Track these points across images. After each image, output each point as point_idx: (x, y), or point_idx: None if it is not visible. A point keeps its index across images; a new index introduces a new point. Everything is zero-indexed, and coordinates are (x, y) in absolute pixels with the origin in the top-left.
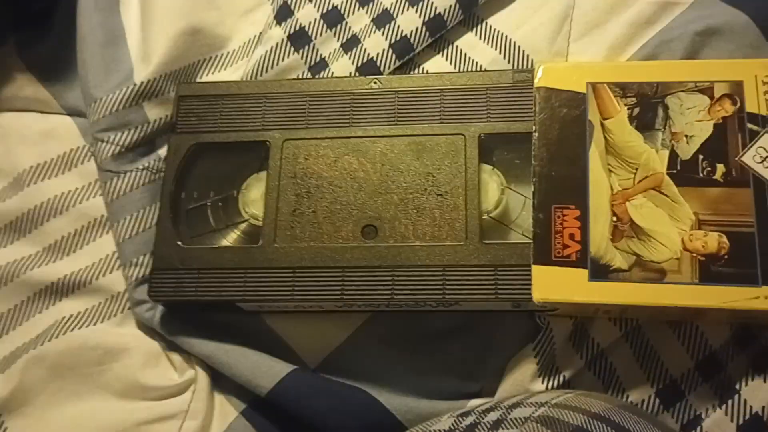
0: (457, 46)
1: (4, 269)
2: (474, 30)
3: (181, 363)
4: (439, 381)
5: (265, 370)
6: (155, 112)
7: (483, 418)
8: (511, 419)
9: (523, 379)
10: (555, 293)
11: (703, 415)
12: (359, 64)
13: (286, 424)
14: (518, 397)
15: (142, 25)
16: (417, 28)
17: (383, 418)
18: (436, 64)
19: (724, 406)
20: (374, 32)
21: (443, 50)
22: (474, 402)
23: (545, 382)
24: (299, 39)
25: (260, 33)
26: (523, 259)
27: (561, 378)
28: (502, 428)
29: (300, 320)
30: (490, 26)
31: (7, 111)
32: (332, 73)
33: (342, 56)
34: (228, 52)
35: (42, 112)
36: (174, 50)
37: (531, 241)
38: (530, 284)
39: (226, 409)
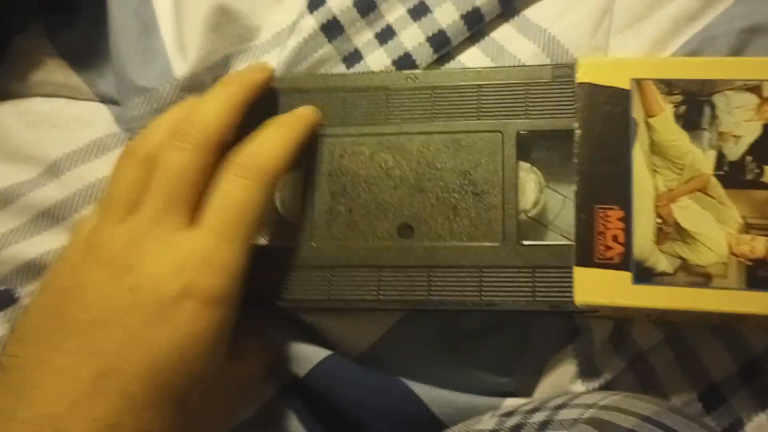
0: (494, 39)
1: (41, 258)
2: (511, 22)
3: None
4: (476, 378)
5: (301, 354)
6: None
7: (528, 419)
8: (558, 420)
9: (562, 380)
10: (597, 296)
11: (745, 420)
12: (395, 57)
13: (320, 408)
14: (562, 398)
15: (175, 14)
16: (454, 21)
17: (419, 411)
18: (473, 56)
19: (766, 411)
20: (410, 25)
21: (479, 41)
22: (512, 401)
23: (585, 383)
24: (331, 29)
25: (293, 22)
26: (562, 261)
27: (601, 380)
28: (550, 429)
29: (335, 316)
30: (528, 19)
31: (37, 96)
32: (367, 65)
33: (377, 48)
34: (261, 44)
35: (72, 98)
36: (209, 43)
37: (570, 241)
38: (569, 287)
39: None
